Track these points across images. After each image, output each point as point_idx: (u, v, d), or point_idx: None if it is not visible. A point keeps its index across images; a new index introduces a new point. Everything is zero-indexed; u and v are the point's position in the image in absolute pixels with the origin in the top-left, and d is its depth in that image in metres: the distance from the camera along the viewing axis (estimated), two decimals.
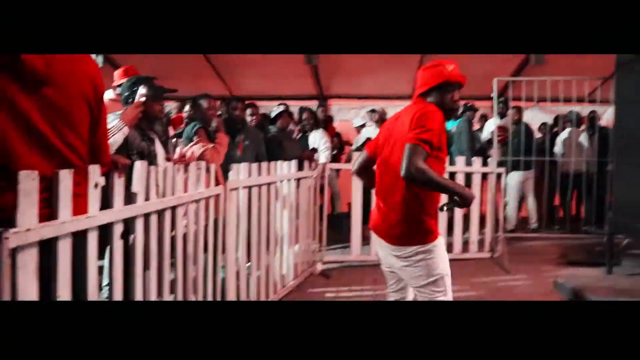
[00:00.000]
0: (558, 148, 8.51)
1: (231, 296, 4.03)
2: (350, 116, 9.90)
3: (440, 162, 2.80)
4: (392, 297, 3.15)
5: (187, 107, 5.76)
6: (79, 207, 2.07)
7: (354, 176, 3.61)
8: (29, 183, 1.75)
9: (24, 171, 1.74)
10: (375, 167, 3.12)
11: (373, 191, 3.27)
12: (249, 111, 6.12)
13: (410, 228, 2.78)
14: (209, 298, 3.66)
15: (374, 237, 3.06)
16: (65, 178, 1.94)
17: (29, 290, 1.78)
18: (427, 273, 2.78)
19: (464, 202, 2.72)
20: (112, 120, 3.20)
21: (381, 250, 3.00)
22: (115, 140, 3.14)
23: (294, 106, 7.68)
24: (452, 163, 6.63)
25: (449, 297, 2.84)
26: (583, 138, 8.35)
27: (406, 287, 3.05)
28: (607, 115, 8.66)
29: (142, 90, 3.40)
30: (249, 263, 4.29)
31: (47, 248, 1.91)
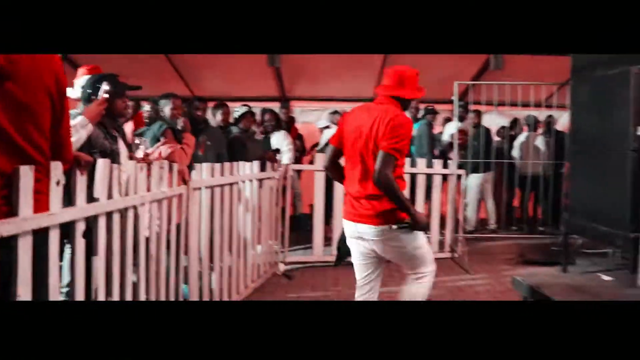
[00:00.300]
0: (516, 151, 8.70)
1: (193, 297, 4.00)
2: (313, 118, 9.92)
3: (401, 167, 3.15)
4: (362, 290, 3.40)
5: (146, 107, 5.69)
6: (41, 204, 2.03)
7: (326, 171, 3.78)
8: None
9: None
10: (344, 159, 3.34)
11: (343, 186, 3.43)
12: (220, 111, 6.13)
13: (387, 211, 3.08)
14: (171, 299, 3.63)
15: (349, 232, 3.29)
16: (26, 175, 1.89)
17: None
18: (412, 248, 3.18)
19: (417, 226, 3.06)
20: (75, 117, 3.14)
21: (359, 241, 3.25)
22: (78, 137, 3.08)
23: (257, 107, 7.65)
24: (413, 165, 6.71)
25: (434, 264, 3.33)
26: (540, 142, 8.54)
27: (377, 278, 3.39)
28: (563, 120, 8.88)
29: (105, 86, 3.33)
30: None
31: (7, 246, 1.87)
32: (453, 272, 6.11)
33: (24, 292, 1.91)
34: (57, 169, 2.12)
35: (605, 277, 4.17)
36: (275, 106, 8.87)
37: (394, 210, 3.07)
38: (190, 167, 4.28)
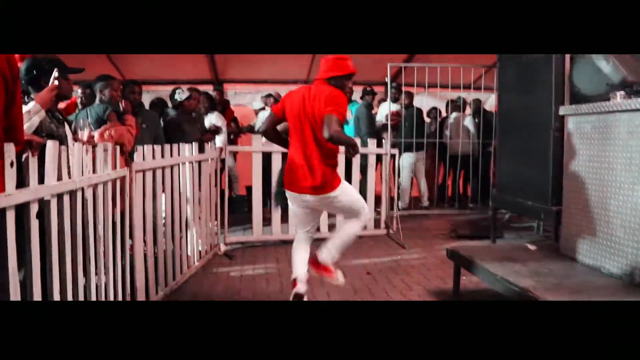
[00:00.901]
0: (447, 131, 9.02)
1: (139, 277, 4.04)
2: (246, 101, 9.96)
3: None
4: (303, 235, 4.14)
5: (78, 92, 5.59)
6: None
7: (264, 135, 4.19)
8: None
9: None
10: (289, 136, 3.95)
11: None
12: (188, 95, 6.31)
13: (328, 181, 3.75)
14: (118, 280, 3.66)
15: (294, 199, 3.97)
16: None
17: None
18: (349, 202, 3.90)
19: (355, 150, 3.63)
20: (28, 104, 3.14)
21: (302, 202, 3.92)
22: (32, 123, 3.08)
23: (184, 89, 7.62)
24: None
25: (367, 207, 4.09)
26: (469, 122, 8.89)
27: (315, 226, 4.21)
28: (490, 101, 9.25)
29: (55, 73, 3.32)
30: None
31: None
32: (389, 248, 6.35)
33: None
34: (10, 150, 2.14)
35: (531, 247, 4.46)
36: (209, 89, 8.86)
37: (334, 178, 3.79)
38: (132, 150, 4.30)
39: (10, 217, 2.18)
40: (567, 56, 4.63)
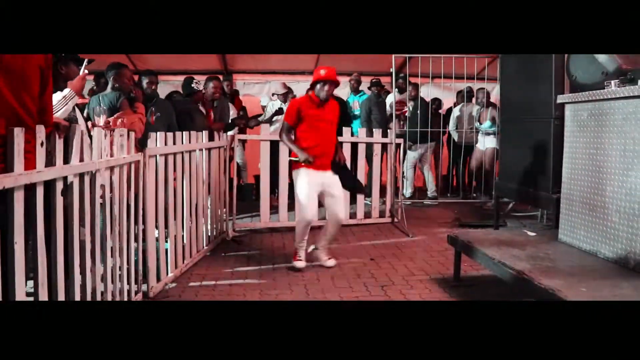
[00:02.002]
0: (452, 122, 9.12)
1: (151, 259, 4.20)
2: (255, 91, 10.14)
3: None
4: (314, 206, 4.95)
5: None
6: (29, 162, 2.23)
7: (282, 141, 5.18)
8: None
9: None
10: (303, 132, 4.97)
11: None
12: (211, 84, 6.43)
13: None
14: (132, 260, 3.83)
15: (318, 173, 4.90)
16: (19, 135, 2.10)
17: None
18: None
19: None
20: (63, 90, 3.38)
21: (322, 177, 4.91)
22: (66, 109, 3.33)
23: (200, 80, 7.78)
24: (355, 134, 7.09)
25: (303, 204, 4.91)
26: (475, 111, 8.98)
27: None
28: (495, 92, 9.34)
29: (86, 62, 3.55)
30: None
31: (3, 198, 2.07)
32: (394, 235, 6.50)
33: (19, 239, 2.12)
34: (41, 132, 2.32)
35: (530, 233, 4.59)
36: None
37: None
38: (144, 136, 4.45)
39: (40, 192, 2.35)
40: None
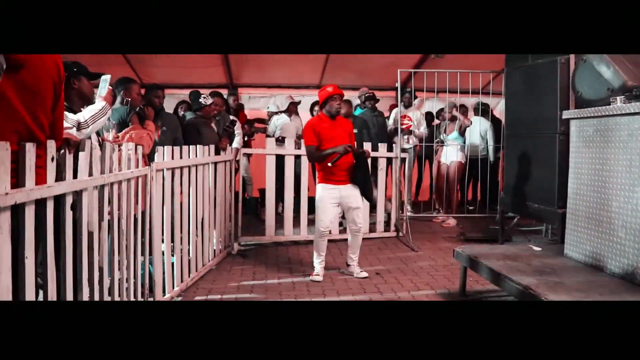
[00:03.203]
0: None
1: (157, 272, 4.22)
2: (260, 105, 10.18)
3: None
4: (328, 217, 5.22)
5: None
6: (40, 177, 2.26)
7: (315, 162, 5.36)
8: (3, 152, 1.92)
9: None
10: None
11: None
12: (213, 100, 6.45)
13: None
14: (138, 274, 3.84)
15: (336, 187, 5.17)
16: (30, 151, 2.13)
17: (5, 250, 1.96)
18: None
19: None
20: (98, 104, 3.57)
21: (340, 191, 5.17)
22: (101, 122, 3.41)
23: (207, 95, 7.83)
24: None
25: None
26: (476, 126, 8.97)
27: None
28: (500, 106, 9.34)
29: (107, 76, 3.62)
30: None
31: (15, 213, 2.08)
32: (399, 250, 6.51)
33: (29, 254, 2.14)
34: (52, 147, 2.34)
35: (536, 248, 4.60)
36: (224, 93, 9.06)
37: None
38: (152, 152, 4.48)
39: (50, 206, 2.37)
40: (572, 62, 4.78)
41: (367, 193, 5.31)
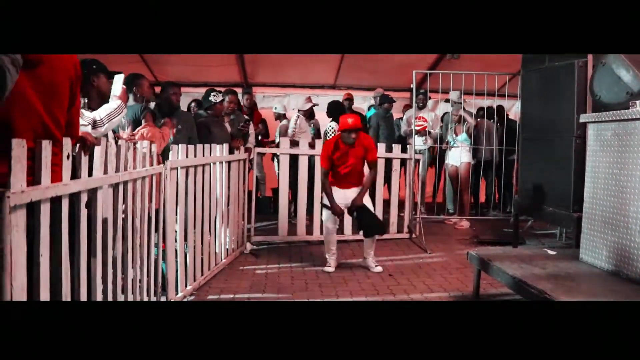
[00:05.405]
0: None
1: (170, 271, 4.23)
2: (274, 104, 10.17)
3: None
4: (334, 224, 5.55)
5: None
6: (56, 175, 2.26)
7: (324, 187, 5.59)
8: (19, 150, 1.93)
9: (16, 139, 1.92)
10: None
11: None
12: (227, 98, 6.56)
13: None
14: (151, 272, 3.85)
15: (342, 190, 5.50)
16: (47, 148, 2.13)
17: (20, 248, 1.97)
18: None
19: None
20: (114, 102, 3.59)
21: (346, 193, 5.48)
22: (116, 121, 3.48)
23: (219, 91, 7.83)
24: None
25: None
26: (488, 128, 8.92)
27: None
28: (515, 109, 9.28)
29: (122, 75, 3.63)
30: None
31: (30, 211, 2.09)
32: (411, 251, 6.48)
33: (44, 252, 2.14)
34: (68, 144, 2.35)
35: (551, 252, 4.55)
36: (238, 92, 9.06)
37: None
38: (167, 150, 4.49)
39: (65, 204, 2.37)
40: (590, 64, 4.73)
41: (375, 232, 5.51)
